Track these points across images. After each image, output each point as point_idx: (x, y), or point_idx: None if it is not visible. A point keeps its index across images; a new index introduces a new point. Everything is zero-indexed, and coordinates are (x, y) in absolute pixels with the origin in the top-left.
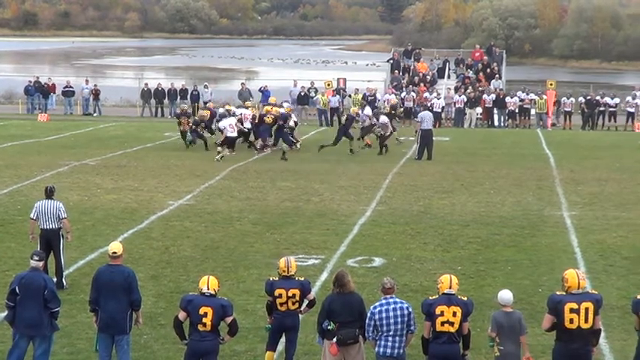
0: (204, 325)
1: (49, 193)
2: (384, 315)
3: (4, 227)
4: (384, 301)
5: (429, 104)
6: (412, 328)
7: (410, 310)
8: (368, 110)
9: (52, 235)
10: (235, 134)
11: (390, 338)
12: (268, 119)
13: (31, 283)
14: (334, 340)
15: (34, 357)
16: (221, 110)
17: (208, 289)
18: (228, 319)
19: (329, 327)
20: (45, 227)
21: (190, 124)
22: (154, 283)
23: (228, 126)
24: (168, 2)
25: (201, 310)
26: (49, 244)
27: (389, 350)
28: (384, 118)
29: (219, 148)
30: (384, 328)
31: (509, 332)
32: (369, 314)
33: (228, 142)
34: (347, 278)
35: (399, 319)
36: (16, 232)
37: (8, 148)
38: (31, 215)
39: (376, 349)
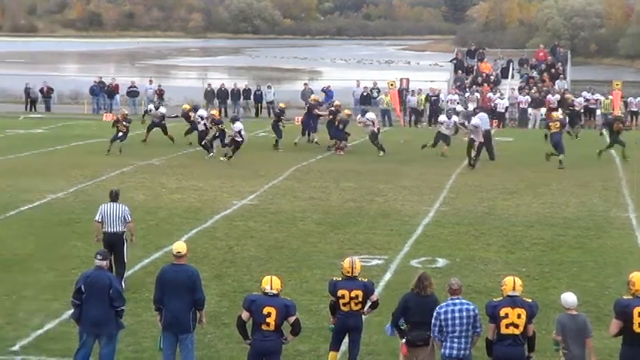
0: (268, 324)
1: (114, 197)
2: (449, 316)
3: (70, 226)
4: (450, 302)
5: (492, 104)
6: (478, 329)
7: (476, 311)
8: (371, 114)
9: (116, 238)
10: (241, 140)
11: (456, 340)
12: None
13: (96, 282)
14: (404, 340)
15: (100, 355)
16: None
17: (271, 288)
18: (292, 319)
19: (402, 326)
20: (109, 230)
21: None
22: (218, 282)
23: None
24: (231, 3)
25: (265, 310)
26: (112, 247)
27: (455, 352)
28: (476, 120)
29: (224, 149)
30: (449, 329)
31: (575, 335)
32: (434, 314)
33: (236, 145)
34: (427, 281)
35: (465, 321)
36: (81, 231)
37: (74, 147)
38: (96, 218)
39: (442, 350)
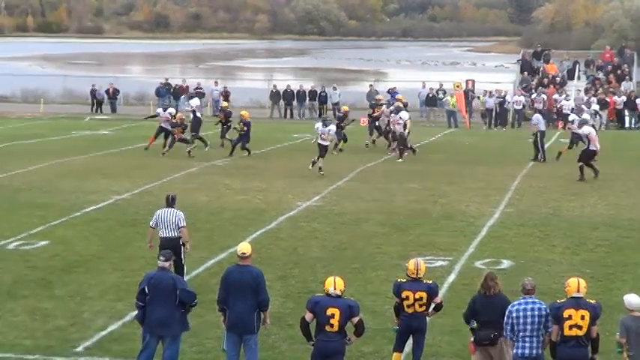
0: (332, 325)
1: (170, 202)
2: (521, 314)
3: (135, 227)
4: (522, 301)
5: (558, 106)
6: (550, 329)
7: (547, 310)
8: (405, 114)
9: (172, 244)
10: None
11: (528, 339)
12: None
13: (160, 283)
14: (472, 339)
15: (163, 356)
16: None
17: (335, 289)
18: (355, 320)
19: (473, 326)
20: (164, 236)
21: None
22: (282, 283)
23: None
24: (297, 4)
25: (329, 312)
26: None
27: (527, 351)
28: (587, 129)
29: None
30: (520, 327)
31: (639, 337)
32: (507, 313)
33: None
34: (492, 282)
35: (536, 319)
36: (146, 232)
37: (139, 149)
38: (151, 223)
39: (514, 350)
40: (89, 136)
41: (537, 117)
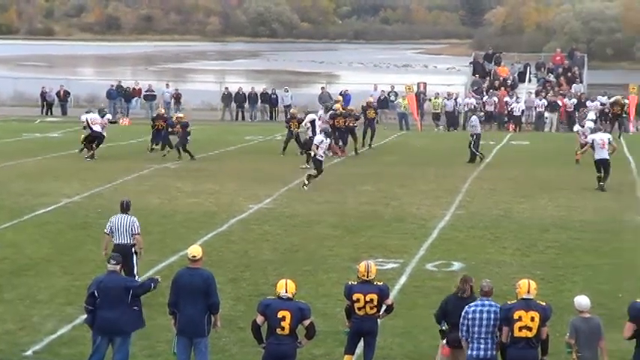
0: (283, 328)
1: (125, 208)
2: (477, 316)
3: (86, 230)
4: (479, 302)
5: (509, 108)
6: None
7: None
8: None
9: (124, 250)
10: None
11: (482, 340)
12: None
13: (110, 286)
14: (444, 341)
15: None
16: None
17: (286, 292)
18: (306, 322)
19: (443, 327)
20: (118, 242)
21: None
22: (233, 286)
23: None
24: (249, 6)
25: (280, 314)
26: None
27: (481, 352)
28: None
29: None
30: (475, 329)
31: (588, 338)
32: (463, 313)
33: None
34: (467, 284)
35: (491, 322)
36: (97, 236)
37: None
38: (105, 230)
39: (468, 352)
40: (40, 138)
41: (475, 119)
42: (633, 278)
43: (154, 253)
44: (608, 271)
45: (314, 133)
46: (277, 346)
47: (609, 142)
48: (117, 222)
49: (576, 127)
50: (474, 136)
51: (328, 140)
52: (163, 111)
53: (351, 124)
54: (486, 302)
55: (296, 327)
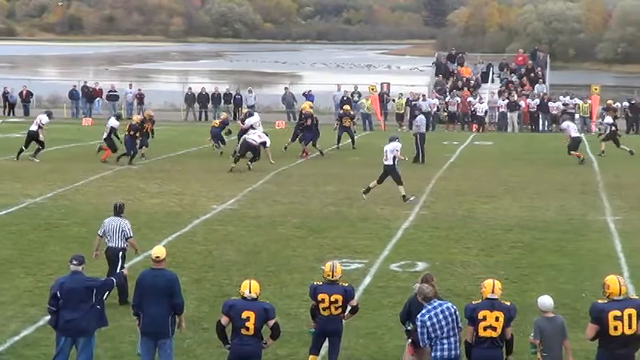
0: (247, 329)
1: (118, 211)
2: (434, 320)
3: (49, 231)
4: (430, 307)
5: (472, 108)
6: (460, 325)
7: (455, 307)
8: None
9: (115, 253)
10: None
11: (445, 341)
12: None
13: (73, 287)
14: (409, 341)
15: None
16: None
17: (250, 292)
18: (271, 322)
19: (408, 327)
20: (110, 245)
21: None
22: (197, 287)
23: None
24: (212, 7)
25: (244, 314)
26: (113, 262)
27: (445, 353)
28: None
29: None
30: (438, 333)
31: (552, 338)
32: (418, 323)
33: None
34: (429, 283)
35: (449, 319)
36: (60, 236)
37: (53, 152)
38: (99, 232)
39: (433, 354)
40: (1, 139)
41: (421, 119)
42: (596, 278)
43: None
44: (572, 271)
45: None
46: (242, 346)
47: None
48: (109, 225)
49: (565, 125)
50: (417, 136)
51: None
52: (152, 113)
53: (347, 124)
54: (436, 304)
55: (261, 327)
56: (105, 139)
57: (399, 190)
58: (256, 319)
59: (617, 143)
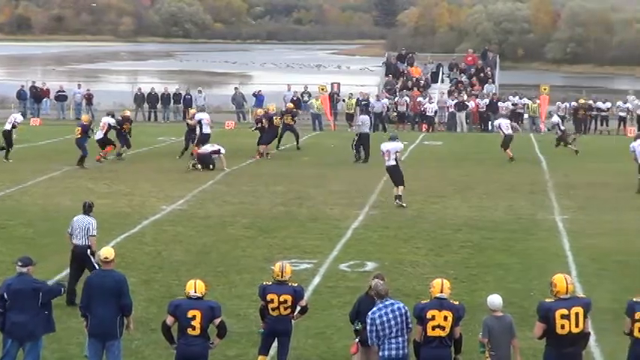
0: (194, 328)
1: (87, 209)
2: (384, 318)
3: None
4: (381, 305)
5: (422, 108)
6: (410, 326)
7: (406, 308)
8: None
9: (80, 251)
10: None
11: (393, 340)
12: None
13: (20, 289)
14: (356, 340)
15: None
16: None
17: (195, 292)
18: (217, 321)
19: (357, 327)
20: (75, 242)
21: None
22: (146, 287)
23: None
24: (162, 7)
25: (190, 314)
26: (78, 260)
27: (393, 352)
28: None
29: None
30: (386, 332)
31: (501, 337)
32: (369, 321)
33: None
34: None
35: (399, 319)
36: (6, 237)
37: (1, 152)
38: (68, 229)
39: (380, 353)
40: None
41: (363, 118)
42: (544, 277)
43: (65, 255)
44: (520, 270)
45: (202, 130)
46: (188, 347)
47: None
48: (75, 223)
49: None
50: (358, 135)
51: None
52: (129, 113)
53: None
54: (388, 303)
55: (207, 326)
56: (99, 139)
57: (397, 189)
58: (202, 318)
59: (565, 142)
